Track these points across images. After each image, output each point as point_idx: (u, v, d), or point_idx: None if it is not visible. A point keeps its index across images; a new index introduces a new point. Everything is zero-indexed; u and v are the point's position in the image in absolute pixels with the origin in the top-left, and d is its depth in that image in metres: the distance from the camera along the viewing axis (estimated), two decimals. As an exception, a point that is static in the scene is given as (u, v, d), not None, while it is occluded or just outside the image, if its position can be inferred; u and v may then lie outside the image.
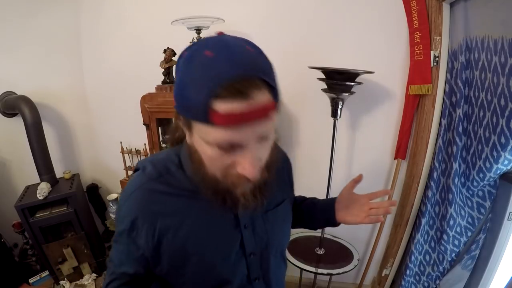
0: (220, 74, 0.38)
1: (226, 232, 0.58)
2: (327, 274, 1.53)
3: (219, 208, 0.54)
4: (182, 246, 0.55)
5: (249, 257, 0.60)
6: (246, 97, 0.39)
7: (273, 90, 0.43)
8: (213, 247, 0.57)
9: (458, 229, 1.36)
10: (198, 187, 0.53)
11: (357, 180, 0.73)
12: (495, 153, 1.05)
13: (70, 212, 1.92)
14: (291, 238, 1.78)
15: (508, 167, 1.08)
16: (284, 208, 0.68)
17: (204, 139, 0.44)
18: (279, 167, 0.61)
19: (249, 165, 0.44)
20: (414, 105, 1.50)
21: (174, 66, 0.50)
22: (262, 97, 0.40)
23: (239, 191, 0.50)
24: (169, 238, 0.54)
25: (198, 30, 1.56)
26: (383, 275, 1.83)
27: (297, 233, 1.86)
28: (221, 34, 0.46)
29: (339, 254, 1.65)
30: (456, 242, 1.38)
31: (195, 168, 0.51)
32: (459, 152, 1.29)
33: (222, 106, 0.38)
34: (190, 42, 1.58)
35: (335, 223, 0.75)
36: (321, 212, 0.77)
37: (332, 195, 1.60)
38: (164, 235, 0.54)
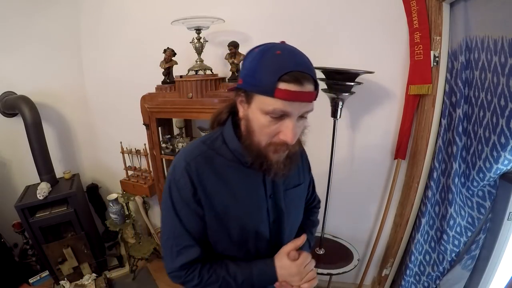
0: (285, 66, 0.57)
1: (259, 198, 0.72)
2: (327, 274, 1.53)
3: (254, 178, 0.70)
4: (226, 205, 0.69)
5: (271, 224, 0.74)
6: (300, 84, 0.57)
7: (316, 86, 0.62)
8: (250, 209, 0.71)
9: (458, 229, 1.36)
10: (240, 156, 0.68)
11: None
12: (495, 153, 1.05)
13: (70, 212, 1.92)
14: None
15: (508, 167, 1.08)
16: (300, 190, 0.82)
17: (262, 109, 0.60)
18: (298, 157, 0.76)
19: (290, 132, 0.60)
20: (414, 105, 1.50)
21: (242, 61, 0.67)
22: (309, 87, 0.59)
23: (275, 158, 0.65)
24: (218, 199, 0.68)
25: (198, 30, 1.56)
26: (383, 275, 1.83)
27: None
28: (284, 43, 0.63)
29: (339, 254, 1.65)
30: (456, 242, 1.38)
31: (245, 135, 0.66)
32: (459, 152, 1.29)
33: (283, 86, 0.57)
34: (190, 42, 1.58)
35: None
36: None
37: (332, 195, 1.61)
38: (214, 196, 0.68)
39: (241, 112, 0.66)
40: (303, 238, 0.72)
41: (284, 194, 0.76)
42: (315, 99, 0.63)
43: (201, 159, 0.68)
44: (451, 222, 1.35)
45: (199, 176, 0.67)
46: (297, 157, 0.73)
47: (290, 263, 0.69)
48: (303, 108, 0.60)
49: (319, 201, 1.03)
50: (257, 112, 0.61)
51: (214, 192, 0.68)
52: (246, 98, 0.63)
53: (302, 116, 0.63)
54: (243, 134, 0.67)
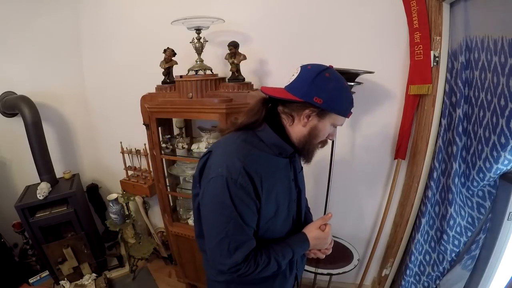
0: (351, 97, 0.82)
1: (289, 181, 0.90)
2: (327, 274, 1.53)
3: (286, 165, 0.88)
4: (277, 194, 0.83)
5: (292, 202, 0.92)
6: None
7: None
8: (289, 193, 0.90)
9: (458, 229, 1.36)
10: (277, 149, 0.83)
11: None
12: (495, 153, 1.05)
13: (70, 212, 1.92)
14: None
15: (508, 167, 1.08)
16: (302, 172, 1.02)
17: (333, 123, 0.82)
18: None
19: (335, 134, 0.89)
20: (414, 105, 1.50)
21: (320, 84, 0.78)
22: None
23: (316, 151, 0.87)
24: (273, 191, 0.81)
25: (198, 30, 1.56)
26: (383, 275, 1.83)
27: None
28: (332, 67, 0.81)
29: (339, 254, 1.66)
30: (456, 242, 1.38)
31: (306, 138, 0.82)
32: (459, 152, 1.29)
33: (351, 110, 0.83)
34: (190, 42, 1.58)
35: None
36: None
37: (332, 195, 1.61)
38: (270, 190, 0.80)
39: (303, 122, 0.80)
40: (330, 215, 0.93)
41: (298, 176, 0.96)
42: None
43: (252, 158, 0.78)
44: (451, 222, 1.35)
45: (255, 173, 0.76)
46: None
47: (322, 233, 0.91)
48: None
49: None
50: (328, 125, 0.82)
51: (269, 186, 0.79)
52: (320, 114, 0.78)
53: None
54: (298, 135, 0.83)
